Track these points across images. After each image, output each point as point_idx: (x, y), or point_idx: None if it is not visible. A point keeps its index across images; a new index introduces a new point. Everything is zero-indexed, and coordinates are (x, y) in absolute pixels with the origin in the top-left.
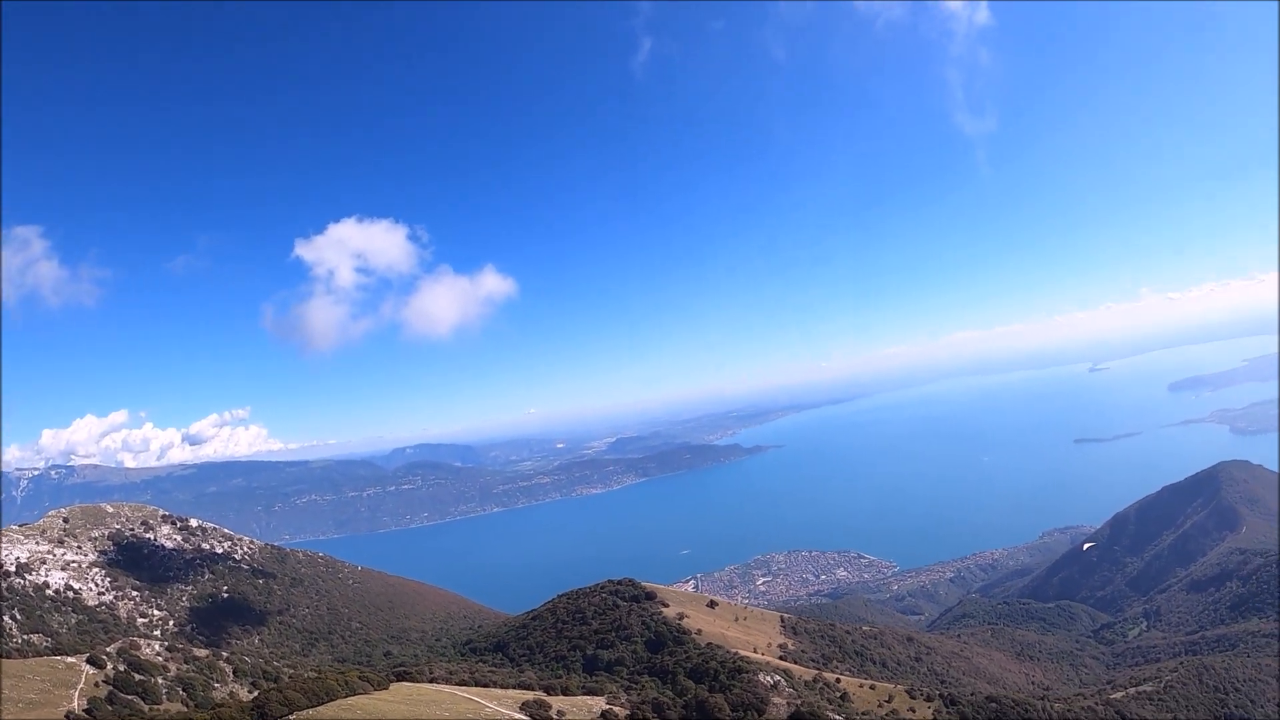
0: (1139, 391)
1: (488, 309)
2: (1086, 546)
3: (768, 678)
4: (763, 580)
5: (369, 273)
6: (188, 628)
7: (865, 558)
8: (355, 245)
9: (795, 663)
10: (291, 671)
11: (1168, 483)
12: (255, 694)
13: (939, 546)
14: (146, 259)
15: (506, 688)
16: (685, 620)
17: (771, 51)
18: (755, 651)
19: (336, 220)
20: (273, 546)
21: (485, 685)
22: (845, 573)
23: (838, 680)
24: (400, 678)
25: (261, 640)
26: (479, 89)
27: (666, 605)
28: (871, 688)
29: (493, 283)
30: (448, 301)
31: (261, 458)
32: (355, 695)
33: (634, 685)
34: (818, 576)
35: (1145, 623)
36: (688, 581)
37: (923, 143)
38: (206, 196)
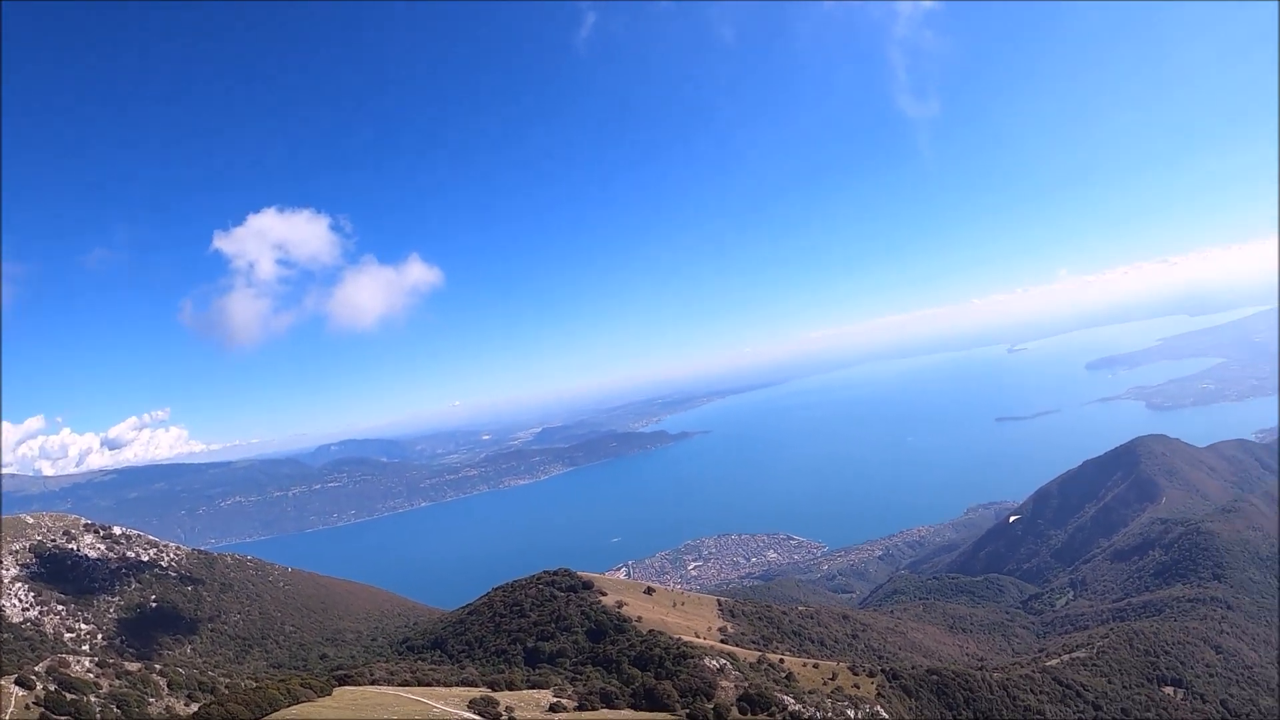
0: (1057, 371)
1: (413, 299)
2: (1012, 519)
3: (713, 661)
4: (694, 565)
5: (291, 265)
6: (117, 640)
7: (795, 539)
8: (276, 236)
9: (737, 645)
10: (228, 681)
11: (1088, 457)
12: (194, 708)
13: (866, 526)
14: (62, 253)
15: (450, 686)
16: (625, 608)
17: (718, 32)
18: (697, 636)
19: (256, 211)
20: (199, 552)
21: (428, 685)
22: (775, 555)
23: (781, 661)
24: (342, 682)
25: (194, 649)
26: (401, 71)
27: (604, 594)
28: (815, 666)
29: (418, 272)
30: (372, 292)
31: (183, 460)
32: (299, 703)
33: (579, 676)
34: (748, 559)
35: (1072, 592)
36: (619, 569)
37: (852, 127)
38: (123, 187)
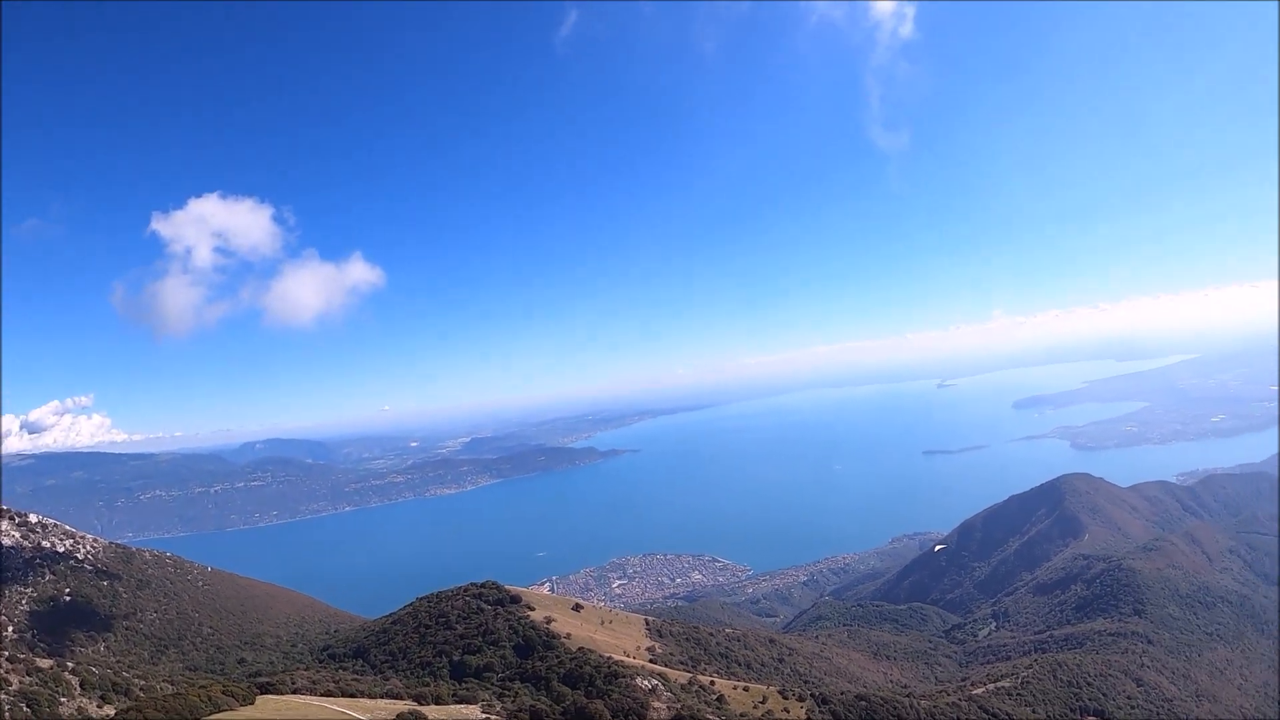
0: (985, 408)
1: (353, 299)
2: (937, 549)
3: (645, 682)
4: (619, 583)
5: (229, 254)
6: (28, 634)
7: (720, 561)
8: (217, 224)
9: (666, 666)
10: (143, 683)
11: (1013, 492)
12: (108, 710)
13: (792, 551)
14: None
15: (375, 697)
16: (553, 624)
17: (700, 44)
18: (625, 655)
19: (198, 195)
20: (118, 545)
21: (352, 695)
22: (700, 576)
23: (712, 683)
24: (264, 690)
25: (108, 648)
26: (360, 68)
27: (533, 609)
28: (745, 689)
29: (360, 271)
30: (311, 288)
31: (104, 449)
32: (220, 711)
33: (507, 692)
34: (673, 580)
35: (994, 623)
36: (543, 584)
37: (805, 159)
38: (65, 159)
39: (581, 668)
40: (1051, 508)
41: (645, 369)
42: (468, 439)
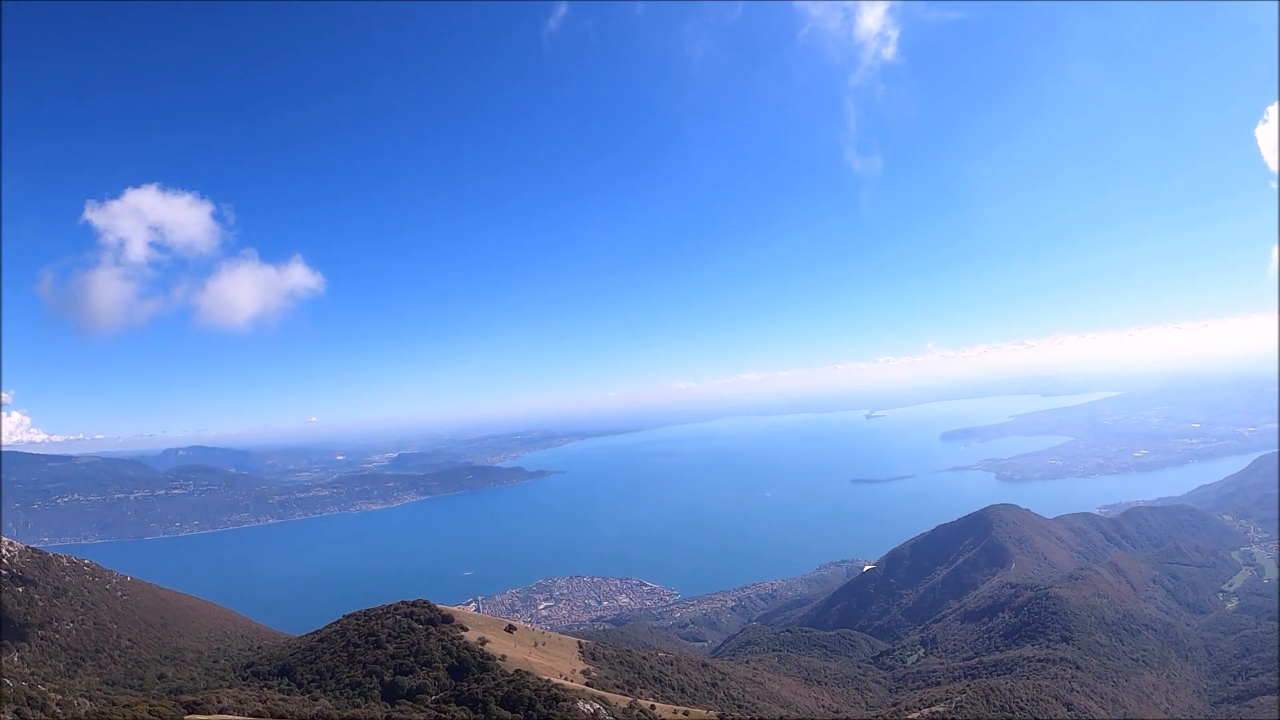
0: (913, 438)
1: (290, 303)
2: (866, 568)
3: (587, 705)
4: (545, 605)
5: (165, 249)
6: None
7: (647, 585)
8: (154, 217)
9: (602, 689)
10: (60, 698)
11: (940, 522)
12: None
13: (720, 576)
14: None
15: (304, 718)
16: (488, 645)
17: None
18: (561, 677)
19: (136, 186)
20: (34, 550)
21: (280, 716)
22: (628, 599)
23: (652, 707)
24: (191, 710)
25: (22, 658)
26: (313, 66)
27: (466, 629)
28: (685, 714)
29: (300, 275)
30: (249, 289)
31: (21, 448)
32: None
33: (442, 715)
34: (600, 603)
35: (923, 649)
36: (469, 603)
37: (752, 183)
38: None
39: (520, 690)
40: (979, 537)
41: (575, 390)
42: (395, 454)
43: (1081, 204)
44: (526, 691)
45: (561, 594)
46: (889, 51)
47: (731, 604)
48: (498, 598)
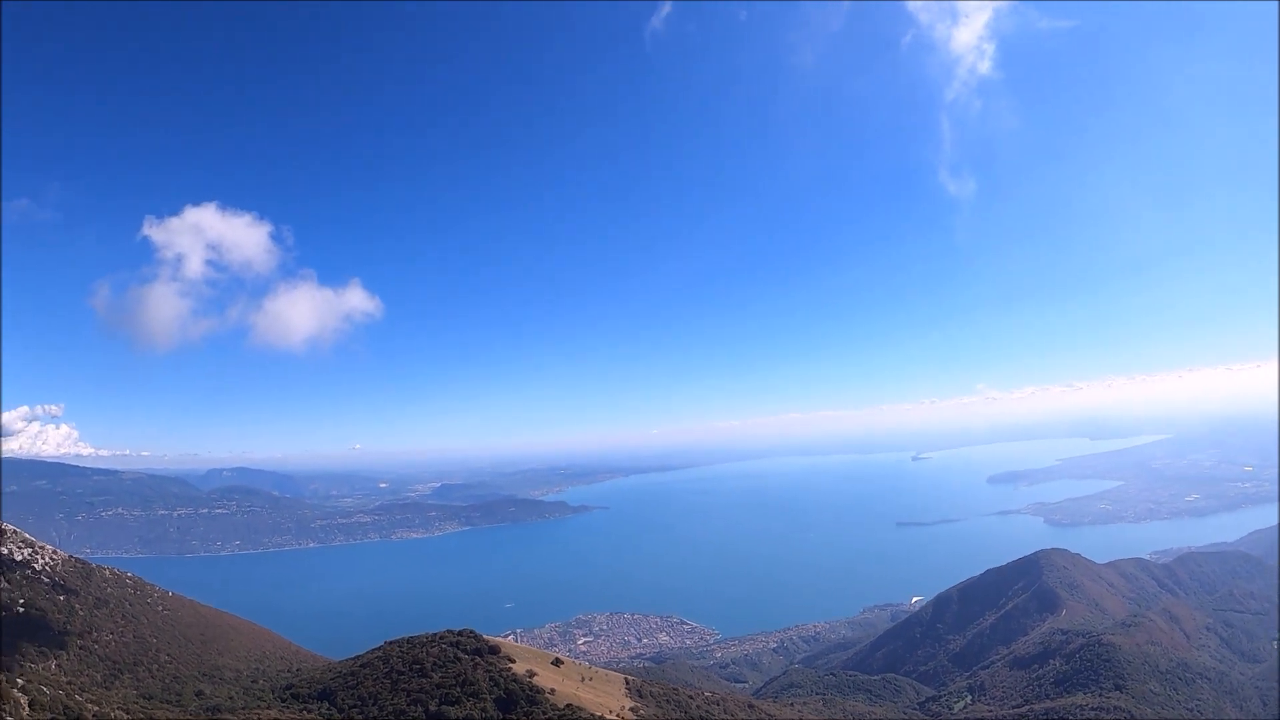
0: (959, 481)
1: (346, 326)
2: (914, 600)
3: None
4: (584, 640)
5: (222, 268)
6: None
7: (688, 624)
8: (212, 235)
9: None
10: (96, 709)
11: (987, 566)
12: None
13: (761, 616)
14: None
15: None
16: (536, 678)
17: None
18: (610, 713)
19: (196, 204)
20: (77, 560)
21: None
22: (668, 637)
23: None
24: None
25: (60, 666)
26: (375, 94)
27: (514, 661)
28: None
29: (357, 299)
30: (306, 310)
31: (69, 460)
32: None
33: None
34: (639, 640)
35: (970, 696)
36: (508, 635)
37: (803, 222)
38: (70, 142)
39: None
40: (1029, 582)
41: (618, 427)
42: (438, 484)
43: (1142, 240)
44: None
45: (601, 630)
46: (984, 65)
47: (773, 645)
48: (537, 631)
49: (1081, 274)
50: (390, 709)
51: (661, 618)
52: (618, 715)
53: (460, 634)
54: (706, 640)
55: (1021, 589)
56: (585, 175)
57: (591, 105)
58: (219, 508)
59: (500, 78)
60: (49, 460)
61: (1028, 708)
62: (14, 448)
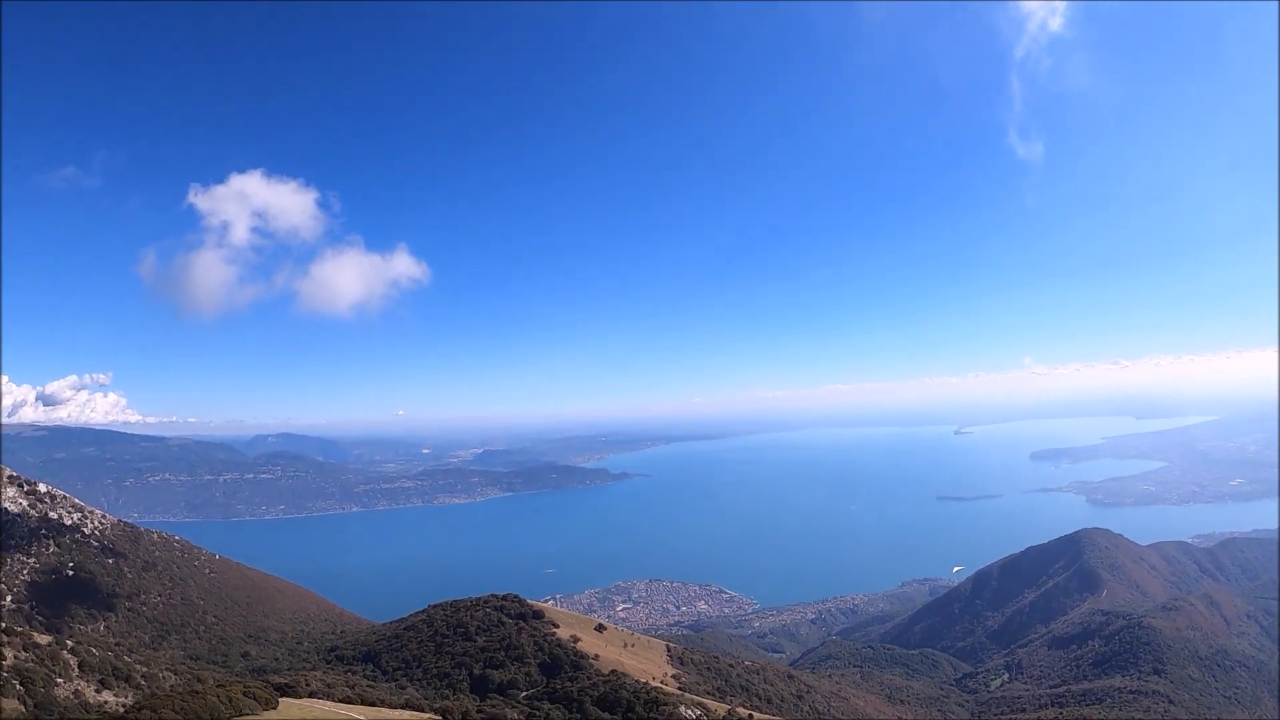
0: (1001, 457)
1: (394, 292)
2: (955, 569)
3: (689, 711)
4: (623, 607)
5: (268, 235)
6: (26, 606)
7: (726, 593)
8: (258, 202)
9: (694, 694)
10: (145, 670)
11: (1027, 543)
12: (105, 695)
13: (799, 587)
14: (30, 165)
15: (395, 708)
16: (580, 644)
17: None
18: (652, 680)
19: (242, 171)
20: (126, 524)
21: (371, 704)
22: (706, 606)
23: (750, 716)
24: (283, 692)
25: (108, 627)
26: (426, 58)
27: (557, 626)
28: None
29: (404, 264)
30: (353, 275)
31: (116, 428)
32: (242, 716)
33: (535, 712)
34: (678, 608)
35: (1007, 674)
36: (547, 601)
37: (848, 188)
38: (115, 109)
39: (617, 692)
40: (1070, 561)
41: (661, 395)
42: (480, 450)
43: (1202, 215)
44: (625, 693)
45: (640, 597)
46: (1056, 23)
47: (811, 616)
48: (576, 597)
49: (1137, 248)
50: (435, 671)
51: (700, 586)
52: (660, 682)
53: (504, 598)
54: (745, 610)
55: (1062, 568)
56: (634, 136)
57: (644, 62)
58: (264, 473)
59: (551, 40)
60: (97, 428)
61: (1065, 688)
62: (63, 416)
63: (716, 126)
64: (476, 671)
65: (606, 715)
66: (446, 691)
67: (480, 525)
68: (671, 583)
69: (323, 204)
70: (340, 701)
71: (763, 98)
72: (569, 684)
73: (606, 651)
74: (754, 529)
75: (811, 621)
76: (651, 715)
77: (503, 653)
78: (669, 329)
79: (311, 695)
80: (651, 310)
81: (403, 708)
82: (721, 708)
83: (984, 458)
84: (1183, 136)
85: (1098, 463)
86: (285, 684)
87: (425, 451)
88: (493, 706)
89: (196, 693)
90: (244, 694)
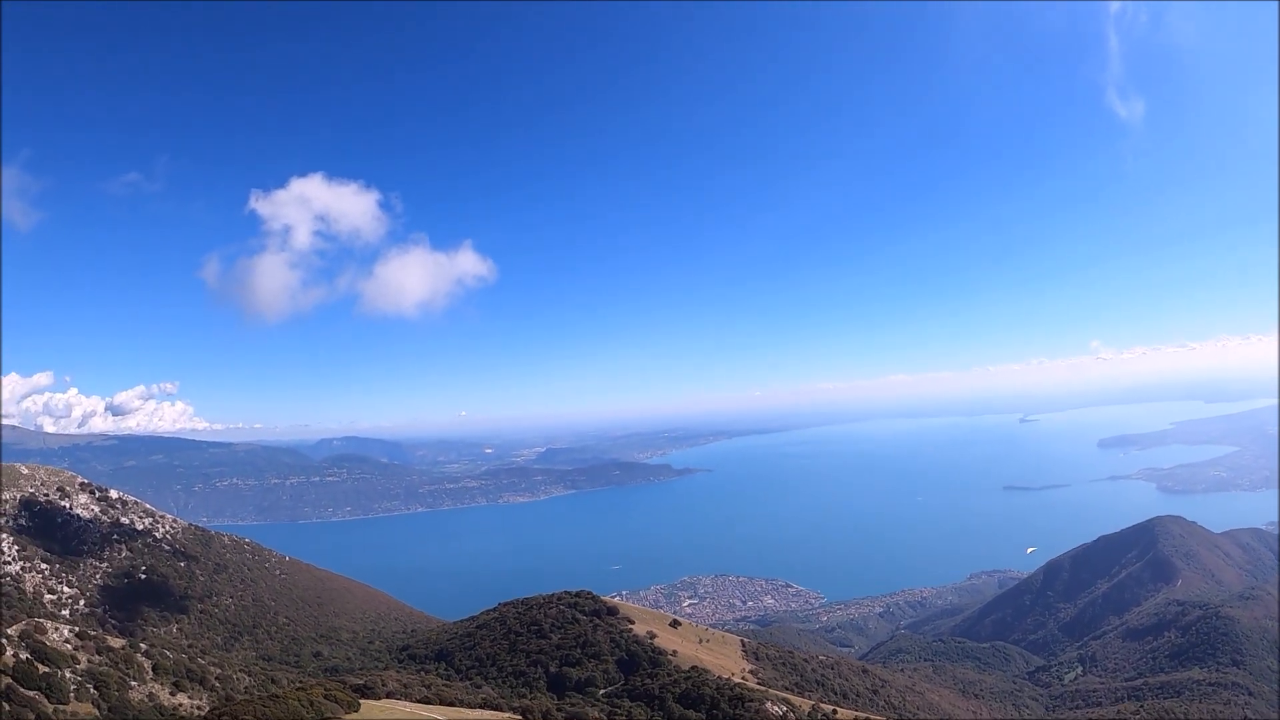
0: (1068, 445)
1: (459, 290)
2: (1029, 550)
3: (775, 708)
4: (689, 602)
5: (330, 238)
6: (99, 609)
7: (793, 587)
8: (319, 205)
9: (774, 689)
10: (219, 672)
11: (1097, 533)
12: (180, 698)
13: (866, 581)
14: (93, 172)
15: (473, 708)
16: (656, 640)
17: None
18: (732, 676)
19: (302, 175)
20: (196, 527)
21: (450, 704)
22: (773, 601)
23: (835, 712)
24: (362, 694)
25: (180, 630)
26: (484, 59)
27: (633, 622)
28: None
29: (469, 262)
30: (418, 275)
31: (184, 435)
32: None
33: (617, 710)
34: (745, 603)
35: (1080, 667)
36: (614, 598)
37: (902, 180)
38: (178, 115)
39: (700, 688)
40: (1143, 550)
41: (721, 389)
42: (542, 449)
43: (1255, 191)
44: (708, 690)
45: (706, 592)
46: None
47: (879, 610)
48: (642, 593)
49: (1218, 220)
50: (509, 670)
51: (766, 580)
52: (740, 678)
53: (578, 595)
54: (812, 604)
55: (1135, 557)
56: (695, 130)
57: (711, 54)
58: (330, 475)
59: (617, 36)
60: (166, 436)
61: (1142, 681)
62: (132, 425)
63: (770, 114)
64: (553, 669)
65: (691, 713)
66: (523, 690)
67: (545, 523)
68: (737, 578)
69: (385, 205)
70: (419, 702)
71: (821, 75)
72: (649, 681)
73: (683, 647)
74: (818, 522)
75: (879, 615)
76: (737, 712)
77: (579, 650)
78: (729, 323)
79: (389, 696)
80: (711, 304)
81: (480, 707)
82: (805, 703)
83: (1050, 446)
84: None
85: (1166, 449)
86: (363, 685)
87: (488, 451)
88: (572, 705)
89: (276, 696)
90: (325, 697)
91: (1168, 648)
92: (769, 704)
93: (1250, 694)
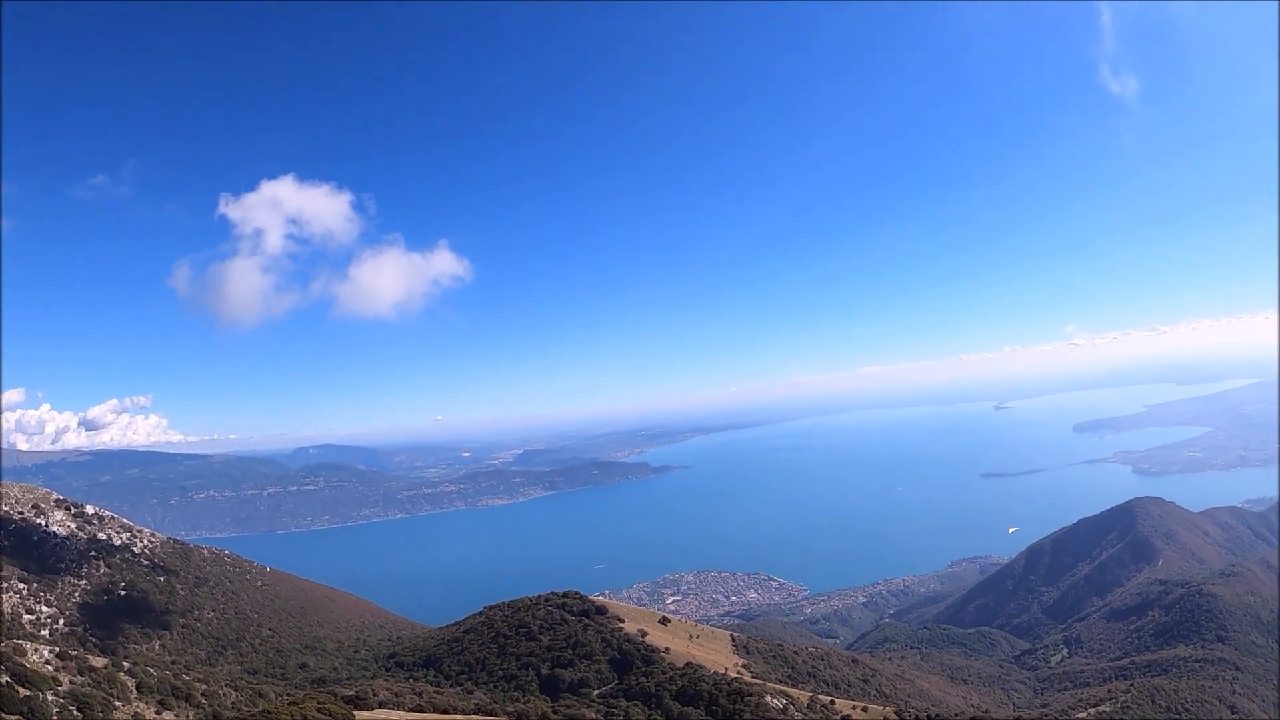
0: (1044, 431)
1: (435, 290)
2: (1011, 530)
3: (775, 700)
4: (672, 599)
5: (303, 241)
6: (80, 628)
7: (775, 580)
8: (291, 208)
9: (769, 682)
10: (204, 687)
11: (1076, 517)
12: (166, 716)
13: (849, 572)
14: (59, 176)
15: (466, 713)
16: (648, 638)
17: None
18: (726, 671)
19: (273, 178)
20: (175, 541)
21: (443, 711)
22: (756, 595)
23: (832, 702)
24: (353, 704)
25: (163, 646)
26: (458, 56)
27: (623, 621)
28: (864, 710)
29: (445, 262)
30: (393, 276)
31: (159, 448)
32: None
33: (614, 710)
34: (728, 598)
35: (1066, 649)
36: (599, 597)
37: (866, 177)
38: (146, 120)
39: (697, 684)
40: (1123, 532)
41: (698, 386)
42: (520, 450)
43: (1219, 176)
44: (705, 685)
45: (689, 589)
46: None
47: (863, 600)
48: (625, 591)
49: (1185, 203)
50: (500, 673)
51: (749, 575)
52: (735, 672)
53: (565, 595)
54: (795, 597)
55: (1115, 539)
56: (667, 129)
57: (685, 55)
58: (308, 484)
59: (591, 36)
60: (141, 450)
61: (1128, 660)
62: (105, 440)
63: (738, 110)
64: (545, 671)
65: (690, 709)
66: (515, 694)
67: (525, 525)
68: (720, 573)
69: (358, 206)
70: (412, 710)
71: (790, 68)
72: (644, 679)
73: (675, 644)
74: (798, 515)
75: (863, 605)
76: (736, 707)
77: (570, 651)
78: (704, 319)
79: (381, 706)
80: (686, 300)
81: (475, 712)
82: (803, 695)
83: (1026, 433)
84: None
85: (1141, 432)
86: (354, 695)
87: (466, 455)
88: (568, 707)
89: (268, 713)
90: (318, 710)
91: (1152, 626)
92: (768, 697)
93: (1238, 669)
